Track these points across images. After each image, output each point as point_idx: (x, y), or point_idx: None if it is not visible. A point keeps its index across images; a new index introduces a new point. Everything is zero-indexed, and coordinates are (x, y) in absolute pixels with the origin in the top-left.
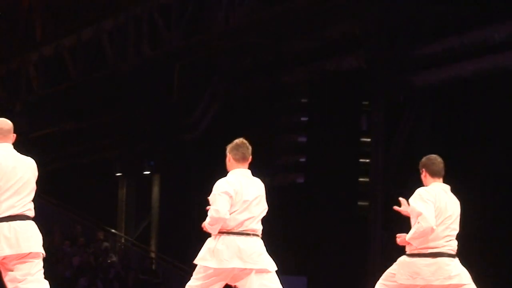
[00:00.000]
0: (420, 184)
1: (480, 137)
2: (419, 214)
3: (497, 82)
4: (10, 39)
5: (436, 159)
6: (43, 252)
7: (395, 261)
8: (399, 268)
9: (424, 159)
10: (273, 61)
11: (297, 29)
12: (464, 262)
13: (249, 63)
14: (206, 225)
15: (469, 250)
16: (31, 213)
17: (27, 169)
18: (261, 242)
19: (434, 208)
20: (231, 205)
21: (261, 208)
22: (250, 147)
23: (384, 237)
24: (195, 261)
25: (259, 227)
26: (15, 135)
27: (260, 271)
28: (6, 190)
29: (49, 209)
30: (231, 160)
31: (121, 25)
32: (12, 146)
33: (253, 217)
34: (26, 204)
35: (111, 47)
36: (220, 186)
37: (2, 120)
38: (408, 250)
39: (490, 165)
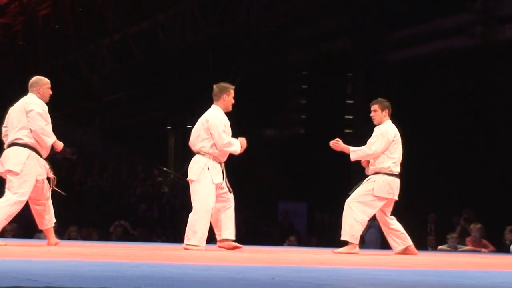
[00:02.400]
0: None
1: (433, 99)
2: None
3: (446, 59)
4: (89, 28)
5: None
6: (16, 170)
7: None
8: (380, 184)
9: (386, 102)
10: (282, 44)
11: (300, 20)
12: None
13: (264, 45)
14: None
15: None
16: (21, 141)
17: (17, 111)
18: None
19: (388, 142)
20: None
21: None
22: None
23: (361, 173)
24: None
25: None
26: None
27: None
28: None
29: (119, 153)
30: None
31: (170, 17)
32: None
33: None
34: (16, 134)
35: (163, 34)
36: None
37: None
38: (377, 170)
39: (438, 118)
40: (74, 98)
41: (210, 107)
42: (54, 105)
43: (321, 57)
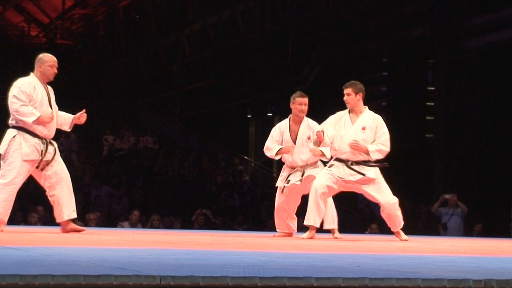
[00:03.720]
0: (471, 118)
1: None
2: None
3: None
4: (170, 19)
5: None
6: (0, 152)
7: (453, 174)
8: None
9: (360, 85)
10: (361, 32)
11: (379, 7)
12: None
13: (343, 33)
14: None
15: None
16: (11, 125)
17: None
18: None
19: None
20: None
21: None
22: None
23: (444, 160)
24: None
25: None
26: None
27: None
28: None
29: (200, 142)
30: None
31: (249, 7)
32: None
33: None
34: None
35: (243, 24)
36: None
37: None
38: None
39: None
40: (155, 88)
41: (290, 95)
42: (135, 95)
43: (401, 44)
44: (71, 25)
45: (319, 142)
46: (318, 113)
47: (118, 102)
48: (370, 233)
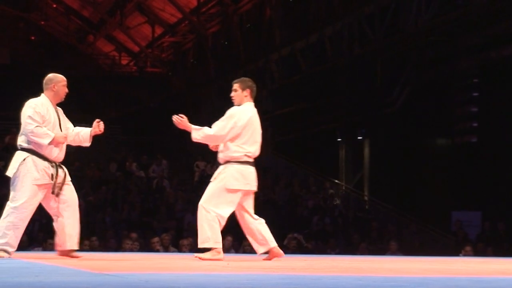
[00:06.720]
0: None
1: None
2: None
3: None
4: (257, 44)
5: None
6: (9, 175)
7: None
8: (232, 175)
9: (249, 82)
10: (451, 52)
11: (468, 28)
12: None
13: (433, 54)
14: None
15: None
16: (20, 147)
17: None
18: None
19: (237, 126)
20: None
21: None
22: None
23: None
24: None
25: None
26: None
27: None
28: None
29: (290, 167)
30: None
31: (337, 30)
32: None
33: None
34: (18, 140)
35: (331, 47)
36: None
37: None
38: (227, 159)
39: None
40: None
41: (380, 118)
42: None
43: (491, 64)
44: (161, 53)
45: None
46: (409, 135)
47: None
48: (464, 255)
